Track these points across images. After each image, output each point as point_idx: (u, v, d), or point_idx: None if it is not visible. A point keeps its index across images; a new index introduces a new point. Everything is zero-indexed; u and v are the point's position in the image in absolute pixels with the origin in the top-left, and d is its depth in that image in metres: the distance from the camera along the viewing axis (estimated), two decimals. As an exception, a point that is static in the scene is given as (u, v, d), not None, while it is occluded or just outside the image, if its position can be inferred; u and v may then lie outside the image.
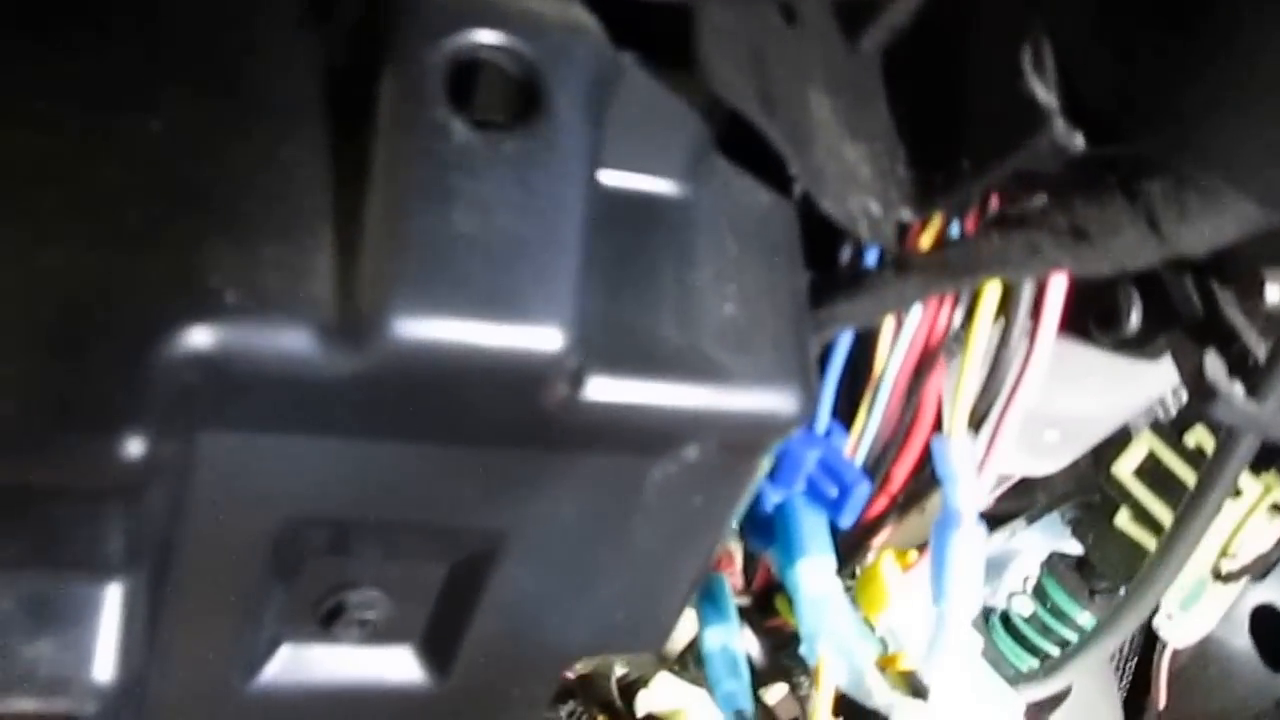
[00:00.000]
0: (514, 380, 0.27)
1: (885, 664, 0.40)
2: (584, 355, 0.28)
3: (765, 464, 0.33)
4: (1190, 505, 0.42)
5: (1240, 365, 0.37)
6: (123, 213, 0.25)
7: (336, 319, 0.26)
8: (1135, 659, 0.75)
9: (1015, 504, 0.62)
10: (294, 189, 0.26)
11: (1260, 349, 0.36)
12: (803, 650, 0.39)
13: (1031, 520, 0.62)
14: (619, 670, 0.57)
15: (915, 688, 0.41)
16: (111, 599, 0.29)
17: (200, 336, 0.25)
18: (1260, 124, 0.28)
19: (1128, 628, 0.47)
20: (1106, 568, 0.56)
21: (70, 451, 0.24)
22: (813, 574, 0.38)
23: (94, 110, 0.26)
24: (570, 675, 0.58)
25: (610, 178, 0.30)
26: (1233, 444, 0.40)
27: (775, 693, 0.51)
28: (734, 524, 0.42)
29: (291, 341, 0.25)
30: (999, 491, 0.60)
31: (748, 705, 0.41)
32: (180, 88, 0.26)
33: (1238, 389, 0.36)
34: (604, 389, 0.28)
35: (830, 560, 0.38)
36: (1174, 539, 0.42)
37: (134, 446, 0.24)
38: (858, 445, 0.38)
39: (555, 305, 0.27)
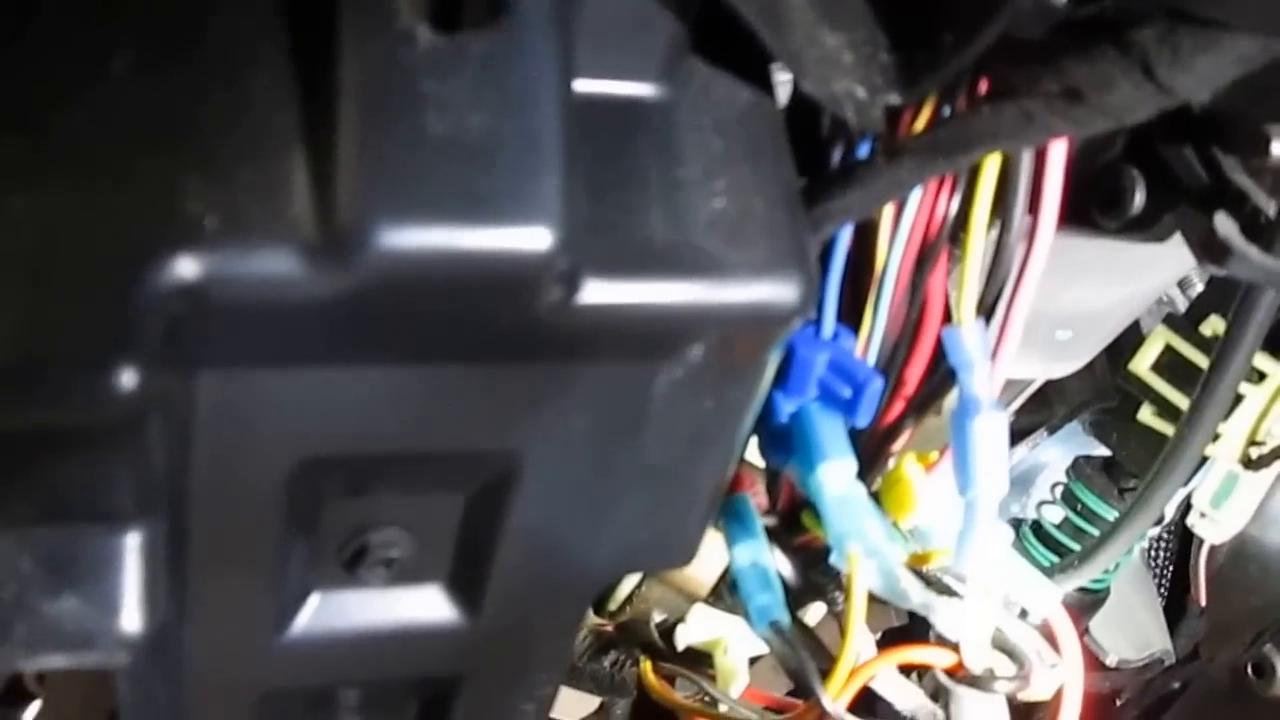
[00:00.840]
0: (505, 285, 0.26)
1: (917, 563, 0.40)
2: (575, 257, 0.27)
3: (772, 363, 0.32)
4: (1210, 380, 0.41)
5: (1251, 228, 0.36)
6: (92, 151, 0.24)
7: (317, 236, 0.25)
8: (1172, 563, 0.74)
9: (1035, 417, 0.61)
10: (263, 111, 0.25)
11: (1270, 206, 0.35)
12: (833, 556, 0.38)
13: (1053, 430, 0.60)
14: (657, 616, 0.57)
15: (948, 587, 0.40)
16: (132, 549, 0.28)
17: (183, 266, 0.24)
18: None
19: (1154, 511, 0.46)
20: (1133, 463, 0.54)
21: (62, 387, 0.23)
22: (834, 476, 0.37)
23: (51, 57, 0.25)
24: (609, 627, 0.58)
25: (587, 85, 0.29)
26: (1246, 314, 0.39)
27: (813, 614, 0.50)
28: (750, 439, 0.41)
29: (274, 264, 0.24)
30: (1018, 403, 0.59)
31: (783, 617, 0.40)
32: (136, 24, 0.25)
33: (1254, 248, 0.35)
34: (598, 291, 0.27)
35: (851, 462, 0.37)
36: (1197, 411, 0.41)
37: (126, 378, 0.23)
38: (867, 346, 0.37)
39: (540, 204, 0.26)
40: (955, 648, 0.38)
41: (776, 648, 0.44)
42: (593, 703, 0.63)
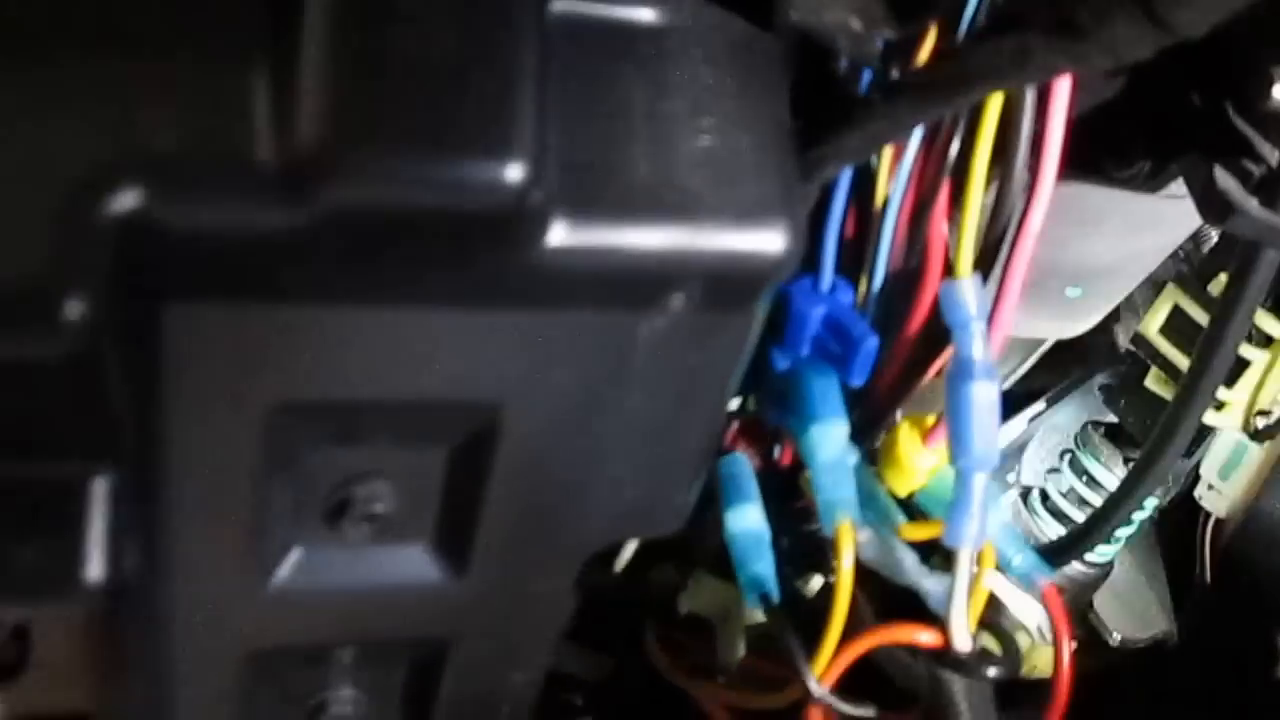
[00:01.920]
0: (472, 222, 0.24)
1: (911, 533, 0.38)
2: (548, 194, 0.25)
3: (760, 315, 0.31)
4: (1207, 341, 0.39)
5: (1253, 181, 0.34)
6: (41, 69, 0.23)
7: (277, 166, 0.23)
8: (1178, 539, 0.72)
9: (1044, 380, 0.59)
10: (223, 30, 0.23)
11: (1274, 156, 0.33)
12: (822, 525, 0.36)
13: (1062, 395, 0.58)
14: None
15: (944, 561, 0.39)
16: (98, 496, 0.27)
17: (133, 194, 0.22)
18: None
19: (1155, 481, 0.44)
20: (1139, 430, 0.52)
21: (9, 316, 0.22)
22: (825, 438, 0.35)
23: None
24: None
25: (571, 5, 0.27)
26: (1246, 272, 0.37)
27: (811, 586, 0.49)
28: (748, 398, 0.39)
29: (231, 193, 0.23)
30: (1028, 365, 0.57)
31: (774, 589, 0.38)
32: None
33: (1253, 202, 0.34)
34: (573, 233, 0.26)
35: (843, 424, 0.35)
36: (1194, 374, 0.39)
37: (72, 309, 0.22)
38: (865, 299, 0.35)
39: (511, 135, 0.24)
40: (943, 627, 0.35)
41: (766, 622, 0.42)
42: (611, 662, 0.62)
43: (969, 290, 0.33)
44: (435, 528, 0.33)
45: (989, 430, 0.33)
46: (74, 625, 0.40)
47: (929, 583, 0.36)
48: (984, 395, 0.33)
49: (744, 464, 0.40)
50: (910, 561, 0.37)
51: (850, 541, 0.34)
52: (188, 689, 0.35)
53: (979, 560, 0.34)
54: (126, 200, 0.22)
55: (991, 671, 0.34)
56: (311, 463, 0.31)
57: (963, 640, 0.34)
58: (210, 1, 0.24)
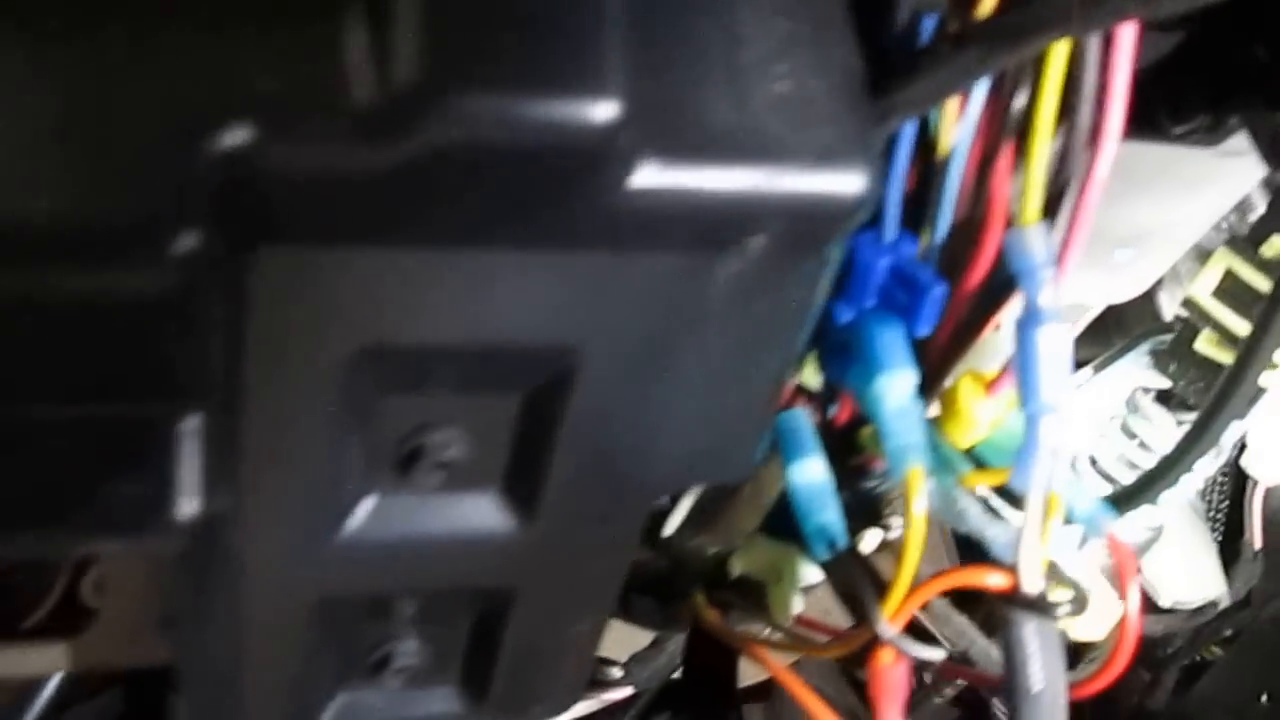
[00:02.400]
0: (565, 160, 0.25)
1: (974, 482, 0.38)
2: (634, 137, 0.26)
3: (834, 259, 0.31)
4: (1271, 303, 0.39)
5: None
6: (147, 14, 0.23)
7: (374, 104, 0.24)
8: (1227, 503, 0.72)
9: (1091, 349, 0.60)
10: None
11: (1341, 103, 0.34)
12: (890, 472, 0.37)
13: (1109, 361, 0.59)
14: (710, 548, 0.56)
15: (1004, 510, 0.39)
16: (190, 434, 0.27)
17: (236, 133, 0.23)
18: None
19: (1208, 443, 0.44)
20: (1191, 393, 0.53)
21: (123, 247, 0.23)
22: (894, 388, 0.36)
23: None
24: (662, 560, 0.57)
25: (644, -36, 0.27)
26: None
27: (869, 541, 0.49)
28: (809, 351, 0.40)
29: (329, 132, 0.24)
30: (1077, 331, 0.58)
31: (841, 538, 0.39)
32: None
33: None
34: (656, 175, 0.26)
35: (911, 374, 0.36)
36: (1255, 336, 0.39)
37: (183, 242, 0.23)
38: (928, 251, 0.36)
39: (604, 76, 0.24)
40: (1011, 571, 0.36)
41: (833, 571, 0.43)
42: (646, 637, 0.63)
43: (1037, 238, 0.33)
44: (505, 475, 0.34)
45: (1059, 375, 0.34)
46: (141, 579, 0.41)
47: (993, 531, 0.36)
48: (1053, 339, 0.33)
49: (803, 419, 0.40)
50: (974, 510, 0.37)
51: (921, 486, 0.35)
52: (260, 635, 0.35)
53: (1047, 506, 0.35)
54: (232, 138, 0.23)
55: (1061, 611, 0.35)
56: (384, 410, 0.31)
57: (1033, 582, 0.35)
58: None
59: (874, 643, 0.37)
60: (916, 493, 0.35)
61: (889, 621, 0.36)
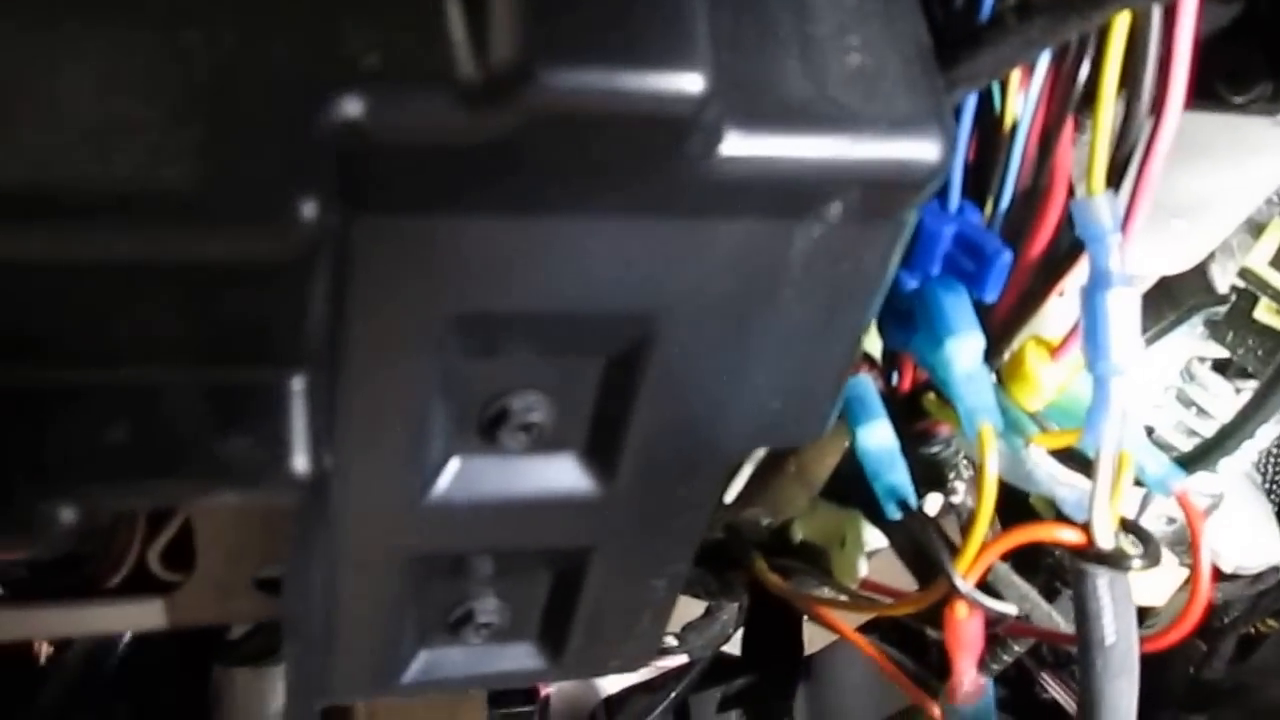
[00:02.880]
0: (656, 130, 0.26)
1: (1044, 441, 0.39)
2: (721, 108, 0.27)
3: (910, 225, 0.32)
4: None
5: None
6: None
7: (475, 78, 0.25)
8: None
9: (1146, 320, 0.60)
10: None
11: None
12: (963, 429, 0.38)
13: (1162, 334, 0.59)
14: (765, 519, 0.57)
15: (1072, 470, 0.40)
16: (298, 393, 0.29)
17: (348, 105, 0.25)
18: None
19: (1271, 410, 0.45)
20: (1250, 360, 0.54)
21: (249, 212, 0.24)
22: (964, 351, 0.37)
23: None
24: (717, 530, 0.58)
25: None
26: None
27: (930, 505, 0.50)
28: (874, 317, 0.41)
29: (434, 104, 0.25)
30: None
31: (911, 498, 0.40)
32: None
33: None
34: (740, 144, 0.28)
35: (979, 337, 0.37)
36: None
37: (308, 209, 0.24)
38: (991, 219, 0.37)
39: (692, 50, 0.26)
40: (1084, 527, 0.37)
41: (904, 529, 0.44)
42: (699, 607, 0.64)
43: (1104, 205, 0.34)
44: (586, 438, 0.36)
45: (1128, 337, 0.35)
46: (233, 539, 0.43)
47: (1062, 490, 0.38)
48: (1122, 301, 0.35)
49: (868, 384, 0.42)
50: (1042, 470, 0.38)
51: (993, 444, 0.36)
52: (353, 590, 0.37)
53: (1118, 463, 0.36)
54: (346, 111, 0.24)
55: (1135, 564, 0.36)
56: (473, 375, 0.33)
57: (1106, 537, 0.36)
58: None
59: (947, 599, 0.38)
60: (989, 451, 0.37)
61: (964, 576, 0.37)
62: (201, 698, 0.56)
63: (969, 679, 0.41)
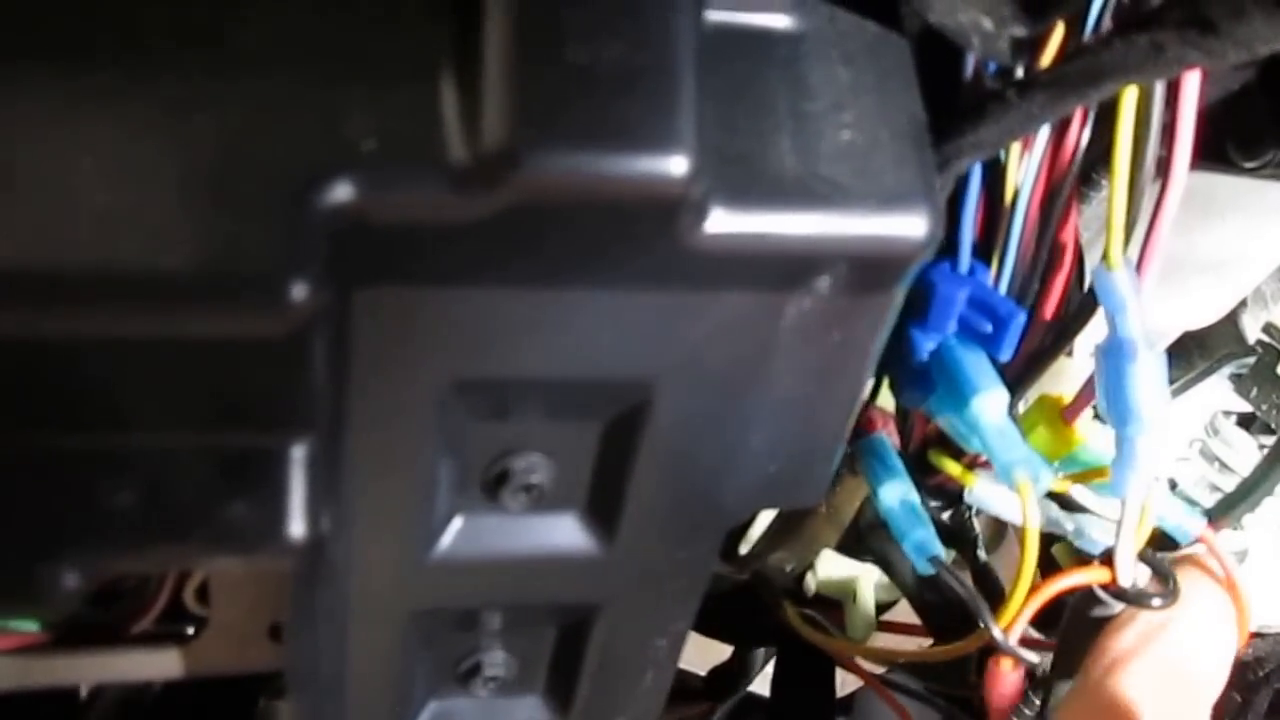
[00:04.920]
0: (642, 211, 0.27)
1: (1063, 487, 0.41)
2: (706, 186, 0.28)
3: (900, 296, 0.33)
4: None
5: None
6: (262, 74, 0.26)
7: (466, 161, 0.26)
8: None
9: (1173, 371, 0.60)
10: (414, 39, 0.27)
11: None
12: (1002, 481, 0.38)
13: (1188, 386, 0.59)
14: (787, 565, 0.57)
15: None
16: (298, 460, 0.30)
17: (344, 188, 0.26)
18: None
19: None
20: (1273, 416, 0.53)
21: (242, 296, 0.25)
22: (991, 406, 0.37)
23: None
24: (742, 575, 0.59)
25: (718, 15, 0.29)
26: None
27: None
28: (885, 380, 0.41)
29: (426, 186, 0.26)
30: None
31: (939, 551, 0.41)
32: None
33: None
34: (728, 220, 0.28)
35: (1003, 392, 0.37)
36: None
37: (298, 291, 0.25)
38: (998, 281, 0.37)
39: (677, 132, 0.27)
40: (1108, 564, 0.38)
41: (931, 584, 0.44)
42: (726, 651, 0.64)
43: (1124, 277, 0.35)
44: (586, 498, 0.36)
45: (1155, 399, 0.36)
46: (251, 589, 0.44)
47: (1072, 527, 0.39)
48: (1148, 370, 0.35)
49: (886, 443, 0.42)
50: (1053, 511, 0.40)
51: (1033, 496, 0.37)
52: (360, 644, 0.38)
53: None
54: (339, 194, 0.25)
55: (1156, 602, 0.38)
56: (474, 437, 0.34)
57: (1128, 577, 0.38)
58: (400, 26, 0.27)
59: (983, 651, 0.38)
60: (1030, 503, 0.37)
61: (1006, 629, 0.38)
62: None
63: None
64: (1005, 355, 0.38)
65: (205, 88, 0.26)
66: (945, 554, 0.41)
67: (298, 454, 0.30)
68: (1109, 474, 0.37)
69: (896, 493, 0.41)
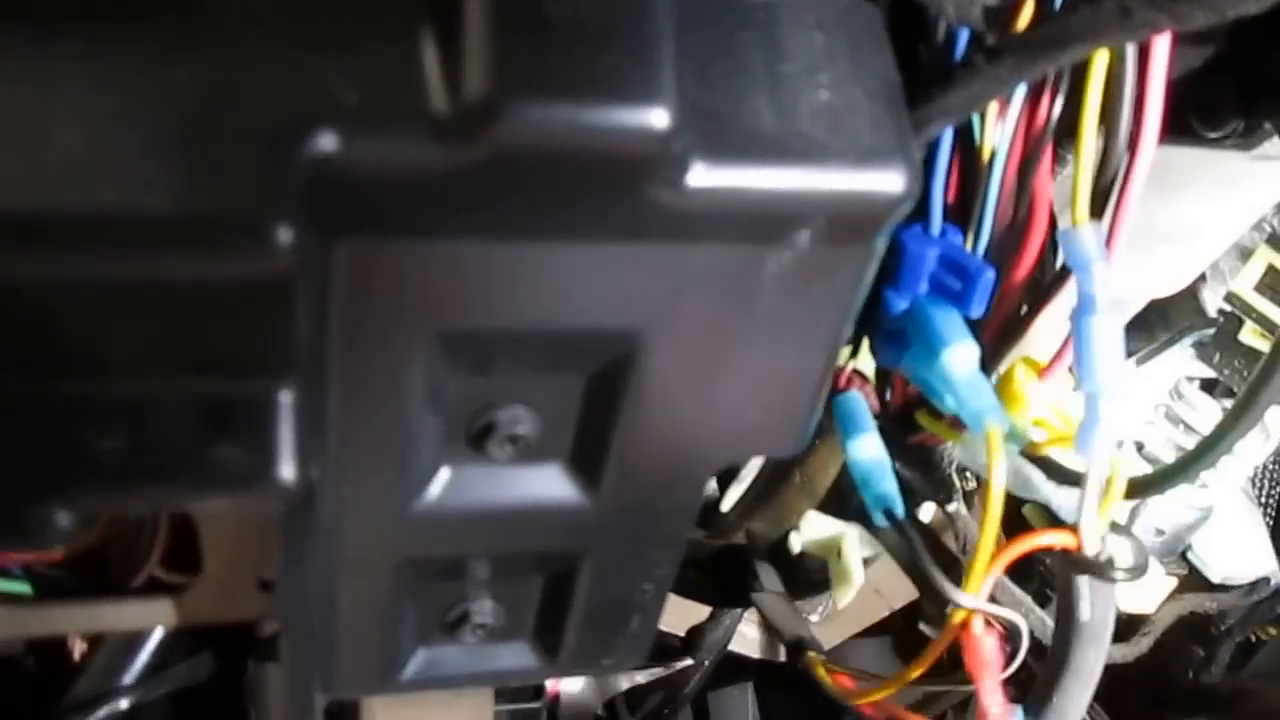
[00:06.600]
0: (622, 162, 0.26)
1: (1039, 448, 0.39)
2: (688, 140, 0.27)
3: (878, 252, 0.32)
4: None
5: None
6: (247, 27, 0.25)
7: (448, 112, 0.25)
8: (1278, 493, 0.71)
9: (1135, 343, 0.60)
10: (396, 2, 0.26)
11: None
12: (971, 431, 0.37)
13: (1153, 354, 0.59)
14: (772, 532, 0.57)
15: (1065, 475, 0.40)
16: (286, 405, 0.29)
17: (327, 137, 0.25)
18: None
19: (1251, 421, 0.44)
20: (1235, 380, 0.53)
21: (226, 239, 0.25)
22: (959, 358, 0.36)
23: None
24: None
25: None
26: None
27: (924, 513, 0.50)
28: (863, 338, 0.41)
29: (408, 138, 0.25)
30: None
31: (899, 508, 0.40)
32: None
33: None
34: (708, 175, 0.28)
35: (973, 344, 0.37)
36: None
37: (282, 234, 0.25)
38: (974, 244, 0.37)
39: (656, 86, 0.26)
40: (1074, 531, 0.37)
41: (892, 539, 0.43)
42: (703, 611, 0.64)
43: (1089, 235, 0.34)
44: (571, 449, 0.36)
45: (1114, 357, 0.35)
46: (239, 542, 0.44)
47: (1058, 498, 0.38)
48: (1107, 326, 0.34)
49: (860, 400, 0.41)
50: (1038, 478, 0.38)
51: (1000, 445, 0.35)
52: (349, 593, 0.38)
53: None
54: (322, 144, 0.25)
55: (1119, 575, 0.36)
56: (459, 389, 0.33)
57: (1093, 545, 0.36)
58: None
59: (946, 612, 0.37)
60: (997, 452, 0.35)
61: (974, 592, 0.37)
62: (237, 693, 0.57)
63: (996, 703, 0.38)
64: (976, 311, 0.37)
65: (192, 38, 0.25)
66: (904, 509, 0.40)
67: (285, 399, 0.29)
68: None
69: (865, 447, 0.40)
